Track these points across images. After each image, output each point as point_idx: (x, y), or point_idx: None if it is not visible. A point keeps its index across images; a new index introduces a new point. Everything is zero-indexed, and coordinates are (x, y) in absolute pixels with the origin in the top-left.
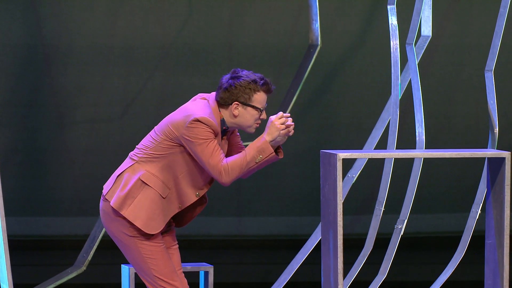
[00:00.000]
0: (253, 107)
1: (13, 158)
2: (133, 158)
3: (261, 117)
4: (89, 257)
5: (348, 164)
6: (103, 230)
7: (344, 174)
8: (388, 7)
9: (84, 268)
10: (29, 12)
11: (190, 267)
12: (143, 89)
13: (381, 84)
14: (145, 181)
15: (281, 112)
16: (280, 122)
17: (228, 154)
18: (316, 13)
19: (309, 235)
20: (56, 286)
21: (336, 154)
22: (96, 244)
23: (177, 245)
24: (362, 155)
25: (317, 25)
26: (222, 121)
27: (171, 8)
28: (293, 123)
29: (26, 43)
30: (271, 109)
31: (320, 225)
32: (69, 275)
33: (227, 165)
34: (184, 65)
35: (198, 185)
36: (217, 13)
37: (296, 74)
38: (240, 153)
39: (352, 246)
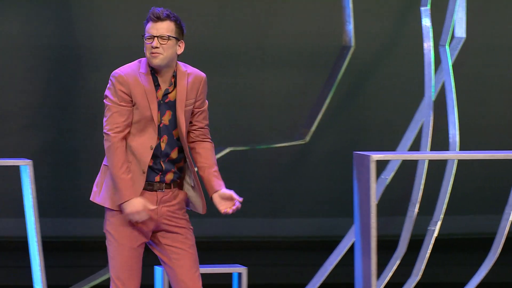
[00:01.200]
0: (143, 38)
1: (46, 159)
2: None
3: (153, 45)
4: None
5: (381, 165)
6: None
7: (377, 176)
8: (421, 8)
9: None
10: (62, 14)
11: (223, 268)
12: None
13: (415, 85)
14: (106, 164)
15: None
16: (136, 217)
17: (184, 126)
18: (350, 15)
19: (342, 237)
20: (90, 287)
21: (369, 156)
22: None
23: (191, 248)
24: (395, 157)
25: (350, 27)
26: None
27: (203, 9)
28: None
29: (59, 44)
30: (304, 111)
31: (353, 226)
32: (102, 277)
33: (108, 148)
34: (216, 66)
35: (147, 141)
36: (250, 14)
37: (329, 75)
38: (125, 171)
39: (386, 247)
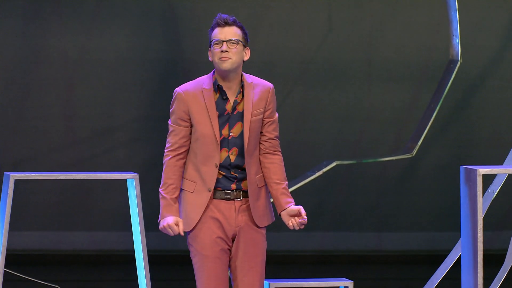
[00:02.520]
0: (211, 43)
1: (152, 172)
2: None
3: (222, 49)
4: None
5: (488, 179)
6: None
7: (484, 190)
8: None
9: None
10: (169, 27)
11: (330, 282)
12: (283, 103)
13: None
14: (181, 188)
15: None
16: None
17: (252, 137)
18: (457, 28)
19: (449, 251)
20: None
21: (476, 170)
22: None
23: (257, 265)
24: (502, 171)
25: (457, 40)
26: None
27: (311, 23)
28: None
29: (166, 58)
30: (411, 124)
31: (460, 240)
32: None
33: (165, 166)
34: (324, 80)
35: (212, 159)
36: (357, 28)
37: (436, 89)
38: (170, 190)
39: (492, 261)
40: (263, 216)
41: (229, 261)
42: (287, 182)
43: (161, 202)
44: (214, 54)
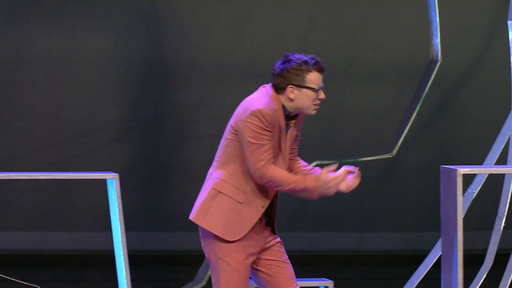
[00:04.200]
0: (308, 88)
1: (133, 172)
2: (210, 171)
3: (319, 97)
4: (209, 272)
5: (468, 179)
6: None
7: (464, 190)
8: (509, 22)
9: (204, 283)
10: (151, 28)
11: (310, 282)
12: None
13: (502, 99)
14: (219, 190)
15: (340, 172)
16: (332, 184)
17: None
18: (437, 29)
19: (429, 251)
20: None
21: (456, 170)
22: None
23: (288, 260)
24: (482, 171)
25: (437, 41)
26: (284, 107)
27: (292, 24)
28: (348, 182)
29: (148, 58)
30: (392, 125)
31: (440, 240)
32: None
33: (268, 173)
34: None
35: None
36: (338, 29)
37: (417, 89)
38: (290, 176)
39: (472, 261)
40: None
41: (258, 270)
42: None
43: (299, 183)
44: (309, 97)
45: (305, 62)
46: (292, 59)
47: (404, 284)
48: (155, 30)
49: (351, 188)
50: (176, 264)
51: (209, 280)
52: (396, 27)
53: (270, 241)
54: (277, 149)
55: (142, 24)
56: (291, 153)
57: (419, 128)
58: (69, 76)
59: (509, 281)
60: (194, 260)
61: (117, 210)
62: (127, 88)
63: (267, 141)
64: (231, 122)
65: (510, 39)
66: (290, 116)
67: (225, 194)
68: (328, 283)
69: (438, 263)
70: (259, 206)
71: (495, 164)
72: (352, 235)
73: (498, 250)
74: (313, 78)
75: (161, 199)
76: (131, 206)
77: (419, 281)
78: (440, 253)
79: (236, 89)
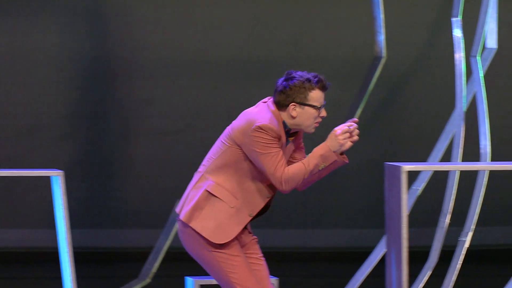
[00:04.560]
0: (310, 105)
1: (78, 170)
2: (200, 170)
3: (320, 115)
4: (154, 269)
5: (413, 176)
6: (168, 242)
7: (409, 186)
8: (453, 19)
9: (149, 280)
10: (95, 25)
11: None
12: (209, 101)
13: (446, 96)
14: (212, 192)
15: (345, 126)
16: (343, 137)
17: (291, 155)
18: (381, 25)
19: (373, 248)
20: None
21: (400, 167)
22: (161, 256)
23: (263, 257)
24: (427, 168)
25: (381, 37)
26: (284, 123)
27: (237, 21)
28: (357, 130)
29: (92, 55)
30: (336, 122)
31: (384, 237)
32: (134, 287)
33: (288, 175)
34: (250, 78)
35: (265, 189)
36: (282, 25)
37: (361, 86)
38: (301, 162)
39: (417, 258)
40: None
41: None
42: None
43: (313, 160)
44: (311, 115)
45: (308, 80)
46: (295, 77)
47: (348, 281)
48: (99, 26)
49: (355, 139)
50: (121, 261)
51: (154, 277)
52: (340, 23)
53: (246, 237)
54: None
55: (86, 20)
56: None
57: (364, 125)
58: (12, 73)
59: (454, 278)
60: (139, 257)
61: (62, 207)
62: (72, 85)
63: (277, 148)
64: (231, 132)
65: (454, 36)
66: (290, 133)
67: (218, 198)
68: (273, 280)
69: (382, 260)
70: (247, 214)
71: (440, 161)
72: (296, 232)
73: (443, 247)
74: (316, 96)
75: (106, 196)
76: (76, 204)
77: (363, 278)
78: (385, 250)
79: (181, 86)
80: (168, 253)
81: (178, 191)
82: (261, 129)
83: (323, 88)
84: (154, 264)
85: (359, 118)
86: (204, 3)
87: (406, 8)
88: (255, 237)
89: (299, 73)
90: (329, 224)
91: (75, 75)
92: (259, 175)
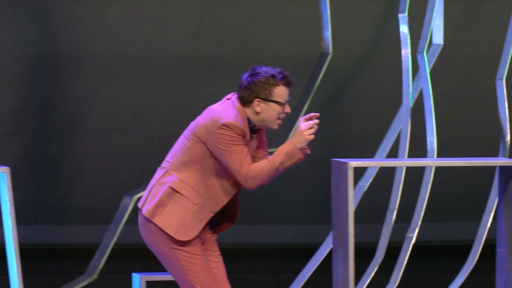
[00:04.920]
0: (275, 102)
1: (24, 166)
2: (164, 166)
3: (284, 111)
4: (100, 266)
5: (359, 172)
6: (115, 238)
7: (355, 183)
8: (399, 15)
9: (95, 276)
10: (41, 20)
11: None
12: (156, 97)
13: (393, 92)
14: (175, 189)
15: (310, 122)
16: (309, 133)
17: (254, 151)
18: (328, 22)
19: (320, 244)
20: None
21: (347, 163)
22: (108, 252)
23: (220, 255)
24: (373, 164)
25: (328, 34)
26: (249, 119)
27: (183, 17)
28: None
29: (38, 51)
30: (284, 119)
31: (331, 233)
32: (80, 284)
33: (253, 172)
34: (197, 74)
35: (229, 186)
36: (229, 22)
37: (307, 83)
38: (266, 159)
39: (364, 254)
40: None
41: None
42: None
43: (278, 157)
44: (275, 111)
45: (273, 76)
46: (260, 72)
47: (295, 277)
48: (46, 22)
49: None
50: (67, 257)
51: (100, 274)
52: (286, 19)
53: (207, 234)
54: None
55: (32, 16)
56: (262, 158)
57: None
58: None
59: (400, 274)
60: (85, 254)
61: (8, 203)
62: (17, 82)
63: (242, 146)
64: (195, 128)
65: (401, 32)
66: (253, 130)
67: (182, 194)
68: None
69: (329, 256)
70: (209, 211)
71: (386, 157)
72: (243, 228)
73: (389, 243)
74: (280, 92)
75: (53, 192)
76: (22, 200)
77: (310, 274)
78: (331, 246)
79: (128, 82)
80: (114, 249)
81: (125, 187)
82: (226, 126)
83: (287, 84)
84: (101, 261)
85: (306, 114)
86: None
87: (352, 4)
88: (215, 235)
89: (264, 68)
90: (276, 220)
91: (21, 72)
92: (224, 171)
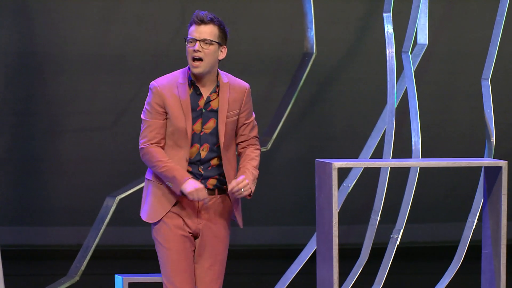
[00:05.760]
0: (184, 40)
1: (4, 167)
2: None
3: (194, 48)
4: (82, 267)
5: (343, 173)
6: (97, 239)
7: (339, 183)
8: (384, 15)
9: (77, 278)
10: (21, 20)
11: None
12: (136, 97)
13: (377, 92)
14: (147, 177)
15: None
16: (198, 196)
17: (227, 137)
18: (311, 21)
19: (304, 245)
20: None
21: (331, 163)
22: (90, 254)
23: (216, 264)
24: (357, 164)
25: (312, 33)
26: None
27: (164, 17)
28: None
29: (18, 51)
30: (266, 118)
31: (315, 234)
32: (62, 285)
33: (147, 152)
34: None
35: (181, 152)
36: None
37: (291, 82)
38: (166, 157)
39: (348, 256)
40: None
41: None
42: (251, 168)
43: (169, 172)
44: (188, 52)
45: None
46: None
47: (279, 278)
48: (25, 22)
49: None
50: (49, 258)
51: (82, 275)
52: (270, 19)
53: (209, 230)
54: (182, 131)
55: (11, 15)
56: (241, 143)
57: (294, 121)
58: None
59: (385, 275)
60: (67, 255)
61: None
62: None
63: (150, 119)
64: None
65: (385, 32)
66: (202, 88)
67: (150, 180)
68: None
69: (313, 258)
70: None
71: (371, 157)
72: None
73: (374, 244)
74: (190, 30)
75: (34, 193)
76: (3, 201)
77: (294, 275)
78: (316, 247)
79: (107, 82)
80: (97, 251)
81: (107, 188)
82: (149, 88)
83: (195, 22)
84: (83, 262)
85: (289, 114)
86: None
87: (336, 3)
88: (223, 237)
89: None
90: (259, 221)
91: (0, 71)
92: (172, 140)
